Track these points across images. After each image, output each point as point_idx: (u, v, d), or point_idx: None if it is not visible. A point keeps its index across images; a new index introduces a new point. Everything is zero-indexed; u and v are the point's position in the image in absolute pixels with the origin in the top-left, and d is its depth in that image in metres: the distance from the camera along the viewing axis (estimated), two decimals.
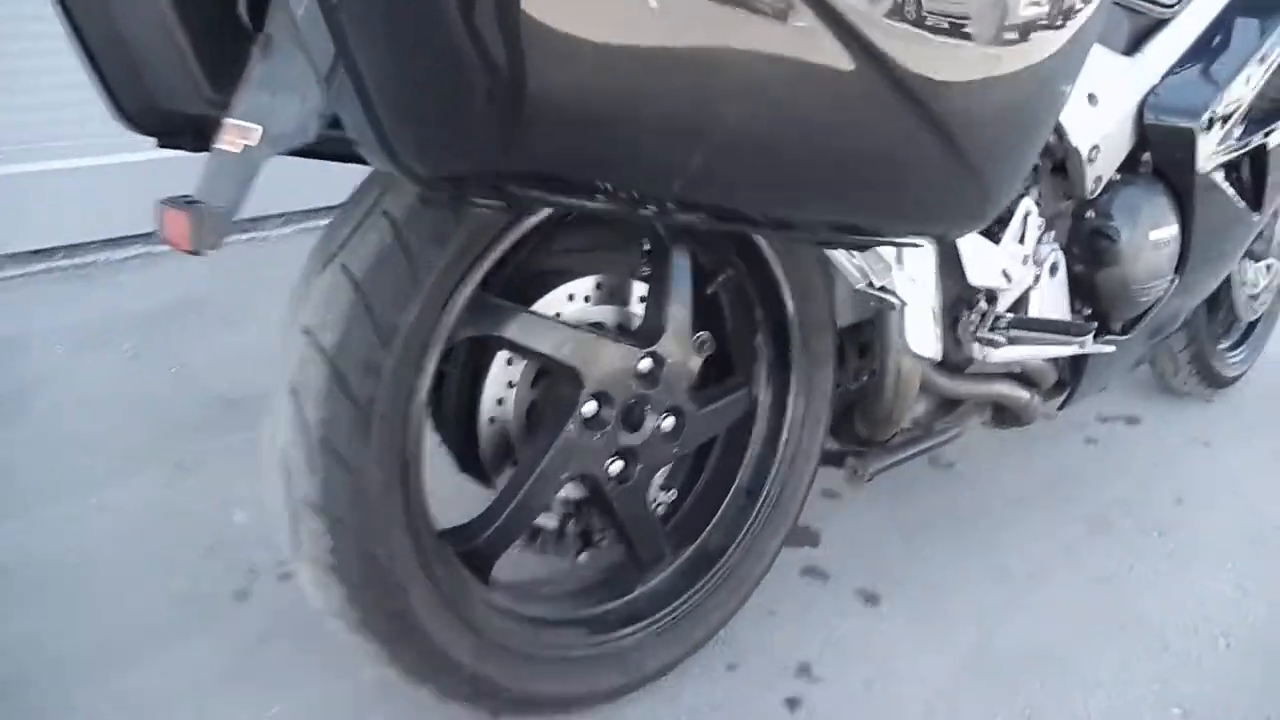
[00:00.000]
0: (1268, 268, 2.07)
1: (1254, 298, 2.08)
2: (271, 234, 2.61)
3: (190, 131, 1.10)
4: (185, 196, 0.90)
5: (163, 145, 1.13)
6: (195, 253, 0.82)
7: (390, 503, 0.91)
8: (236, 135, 0.85)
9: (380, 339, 0.87)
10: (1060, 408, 1.58)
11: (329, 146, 1.11)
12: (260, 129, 0.83)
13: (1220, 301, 2.07)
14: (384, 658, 0.96)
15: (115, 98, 1.06)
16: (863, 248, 0.91)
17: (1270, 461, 1.93)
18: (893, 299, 0.98)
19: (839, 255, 0.99)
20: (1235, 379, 2.17)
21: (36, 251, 2.29)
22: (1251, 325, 2.20)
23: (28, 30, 2.06)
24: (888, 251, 0.98)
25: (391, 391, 0.88)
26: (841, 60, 0.60)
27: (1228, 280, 2.00)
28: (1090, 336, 1.19)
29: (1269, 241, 1.97)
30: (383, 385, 0.87)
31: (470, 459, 1.11)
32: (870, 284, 0.98)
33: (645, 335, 1.09)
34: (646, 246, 1.14)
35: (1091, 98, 1.31)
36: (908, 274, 1.05)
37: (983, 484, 1.77)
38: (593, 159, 0.62)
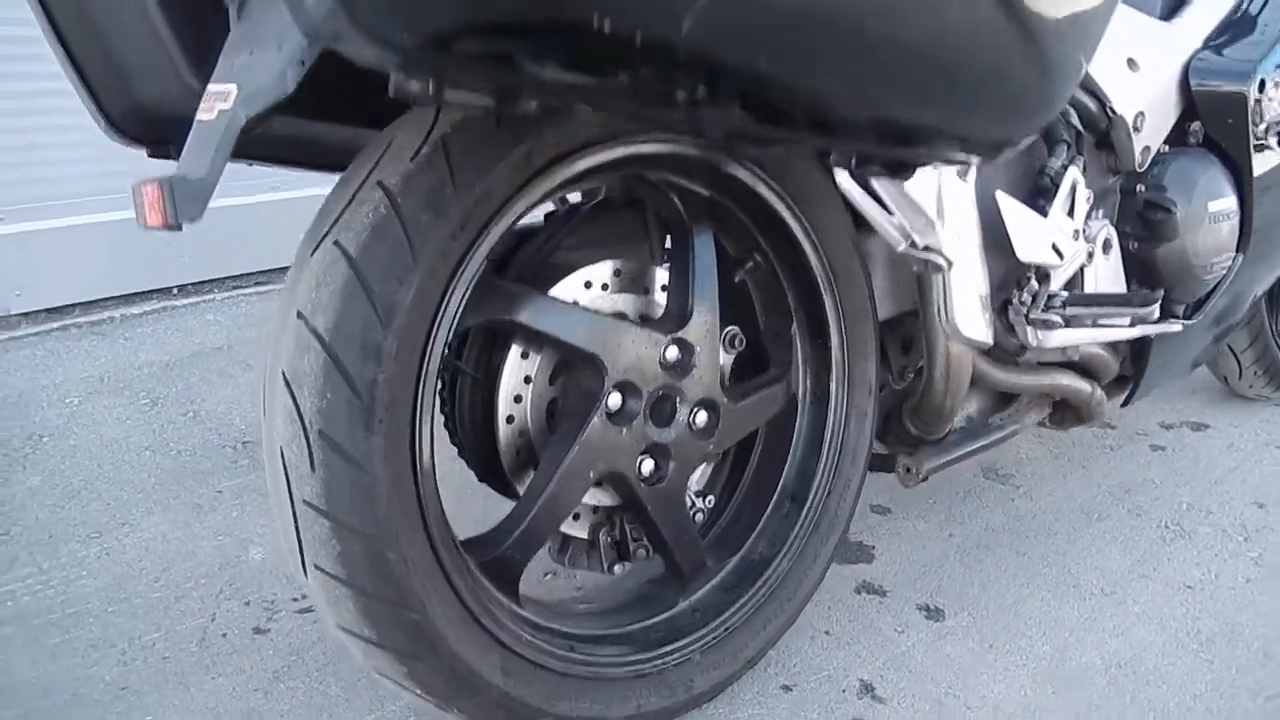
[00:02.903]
0: None
1: None
2: None
3: (177, 138, 1.06)
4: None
5: (152, 155, 1.09)
6: (175, 227, 0.76)
7: (400, 501, 0.82)
8: (214, 101, 0.80)
9: (379, 317, 0.79)
10: (1124, 403, 1.47)
11: (307, 154, 1.06)
12: (235, 87, 0.77)
13: None
14: (404, 677, 0.86)
15: (100, 103, 1.02)
16: (907, 166, 0.83)
17: None
18: (939, 259, 0.90)
19: (877, 215, 0.91)
20: None
21: (51, 310, 2.27)
22: None
23: (38, 89, 2.08)
24: (928, 202, 0.90)
25: (395, 375, 0.80)
26: None
27: None
28: (1156, 308, 1.09)
29: None
30: (384, 369, 0.80)
31: (490, 466, 1.03)
32: (913, 244, 0.90)
33: (670, 321, 1.01)
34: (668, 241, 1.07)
35: (1131, 63, 1.24)
36: (952, 230, 0.97)
37: (1044, 495, 1.65)
38: None
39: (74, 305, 2.29)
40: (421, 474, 0.85)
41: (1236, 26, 1.32)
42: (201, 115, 0.81)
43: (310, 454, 0.80)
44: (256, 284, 2.56)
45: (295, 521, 0.83)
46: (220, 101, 0.78)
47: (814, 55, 0.57)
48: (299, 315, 0.81)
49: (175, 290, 2.45)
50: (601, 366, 0.94)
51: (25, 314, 2.22)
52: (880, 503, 1.60)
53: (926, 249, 0.90)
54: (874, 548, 1.47)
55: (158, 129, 1.06)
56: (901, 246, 0.92)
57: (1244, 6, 1.34)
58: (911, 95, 0.65)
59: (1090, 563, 1.45)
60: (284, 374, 0.81)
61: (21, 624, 1.26)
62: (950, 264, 0.91)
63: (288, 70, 0.73)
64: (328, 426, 0.79)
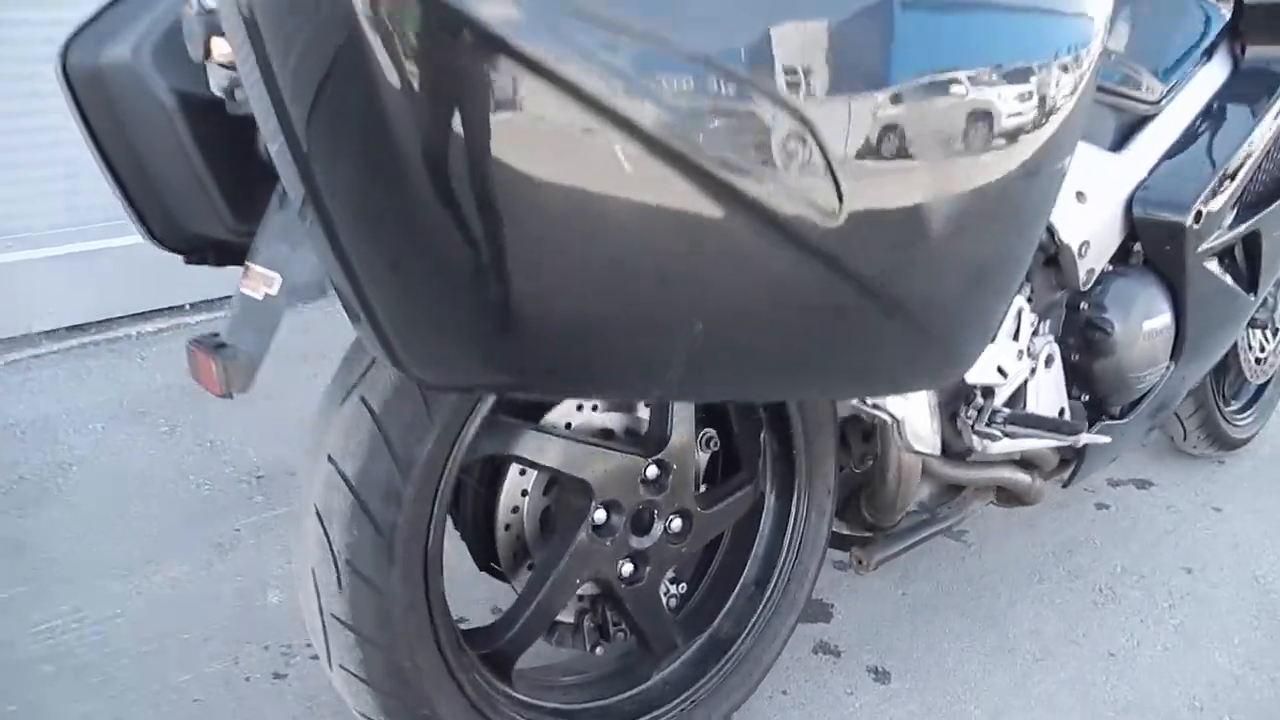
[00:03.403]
0: (1275, 332, 2.10)
1: (1260, 361, 2.11)
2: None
3: (214, 250, 1.18)
4: (214, 336, 0.97)
5: (188, 262, 1.22)
6: (227, 396, 0.90)
7: (415, 619, 0.97)
8: (259, 282, 0.93)
9: (399, 469, 0.93)
10: (1064, 485, 1.61)
11: None
12: (280, 278, 0.90)
13: (1228, 366, 2.10)
14: None
15: (144, 221, 1.14)
16: None
17: None
18: (886, 416, 1.03)
19: None
20: (1246, 440, 2.18)
21: (71, 327, 2.39)
22: (1261, 387, 2.22)
23: (53, 123, 2.19)
24: None
25: (412, 517, 0.94)
26: (778, 249, 0.64)
27: (1234, 347, 2.03)
28: (1084, 433, 1.24)
29: (1272, 310, 2.01)
30: (403, 512, 0.93)
31: (488, 560, 1.17)
32: (863, 402, 1.04)
33: (651, 443, 1.14)
34: None
35: (1080, 195, 1.36)
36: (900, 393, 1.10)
37: (992, 554, 1.80)
38: (569, 363, 0.68)
39: (91, 324, 2.41)
40: (432, 592, 0.99)
41: (1180, 158, 1.44)
42: (248, 290, 0.94)
43: (338, 577, 0.94)
44: None
45: (324, 629, 0.97)
46: (266, 286, 0.91)
47: (768, 381, 0.71)
48: (330, 459, 0.94)
49: (187, 307, 2.57)
50: (589, 489, 1.08)
51: (46, 332, 2.34)
52: (843, 559, 1.74)
53: (875, 406, 1.03)
54: (833, 605, 1.63)
55: (195, 245, 1.18)
56: (853, 401, 1.06)
57: (1188, 139, 1.46)
58: (831, 383, 0.80)
59: (1027, 626, 1.61)
60: (316, 508, 0.95)
61: (63, 663, 1.41)
62: (898, 420, 1.04)
63: (327, 280, 0.85)
64: (354, 558, 0.93)
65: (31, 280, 2.28)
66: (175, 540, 1.70)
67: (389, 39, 0.55)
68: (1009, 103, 0.77)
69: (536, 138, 0.58)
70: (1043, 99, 0.79)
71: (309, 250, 0.87)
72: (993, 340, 1.29)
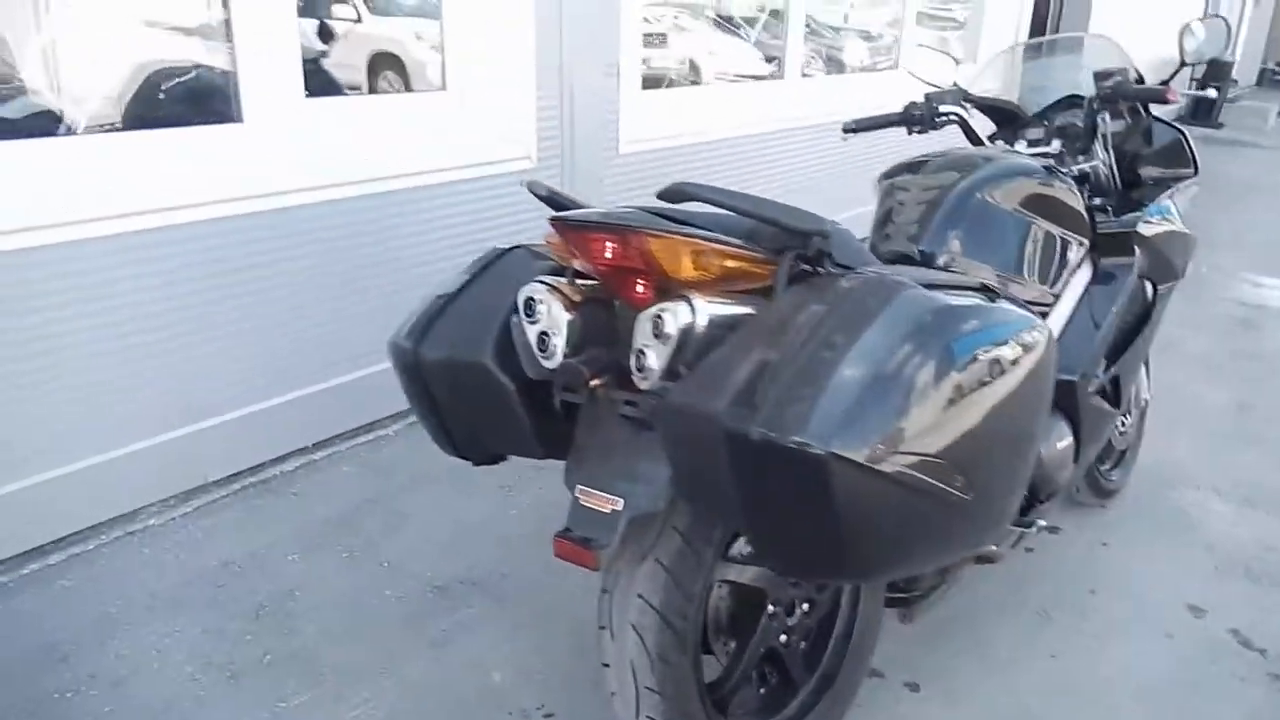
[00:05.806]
0: (1129, 413, 3.01)
1: (1123, 434, 3.02)
2: (389, 431, 3.32)
3: (494, 458, 1.87)
4: (568, 530, 1.65)
5: (476, 464, 1.90)
6: (596, 569, 1.59)
7: (693, 683, 1.68)
8: (604, 502, 1.62)
9: (684, 597, 1.64)
10: (1012, 547, 2.43)
11: None
12: (623, 502, 1.60)
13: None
14: None
15: (450, 439, 1.82)
16: None
17: (1149, 553, 2.84)
18: None
19: None
20: (1117, 490, 3.09)
21: (232, 475, 2.96)
22: (1123, 452, 3.14)
23: (208, 323, 2.78)
24: None
25: (693, 624, 1.65)
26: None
27: None
28: (1035, 524, 2.07)
29: (1127, 400, 2.92)
30: (688, 621, 1.64)
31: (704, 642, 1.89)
32: None
33: None
34: None
35: None
36: None
37: (968, 595, 2.59)
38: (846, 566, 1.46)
39: (244, 470, 2.98)
40: (699, 666, 1.70)
41: (1068, 337, 2.29)
42: (592, 505, 1.63)
43: (650, 664, 1.64)
44: (367, 430, 3.29)
45: (637, 695, 1.67)
46: (611, 505, 1.60)
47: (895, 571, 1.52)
48: (640, 596, 1.64)
49: (310, 446, 3.15)
50: (765, 594, 1.81)
51: (215, 481, 2.91)
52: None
53: None
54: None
55: (490, 456, 1.87)
56: None
57: (1071, 323, 2.32)
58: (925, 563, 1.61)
59: (997, 642, 2.41)
60: (633, 624, 1.65)
61: None
62: None
63: (661, 499, 1.57)
64: (661, 652, 1.64)
65: (202, 444, 2.85)
66: (402, 642, 2.32)
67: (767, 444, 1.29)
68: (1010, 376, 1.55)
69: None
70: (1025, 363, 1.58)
71: (649, 485, 1.58)
72: None
